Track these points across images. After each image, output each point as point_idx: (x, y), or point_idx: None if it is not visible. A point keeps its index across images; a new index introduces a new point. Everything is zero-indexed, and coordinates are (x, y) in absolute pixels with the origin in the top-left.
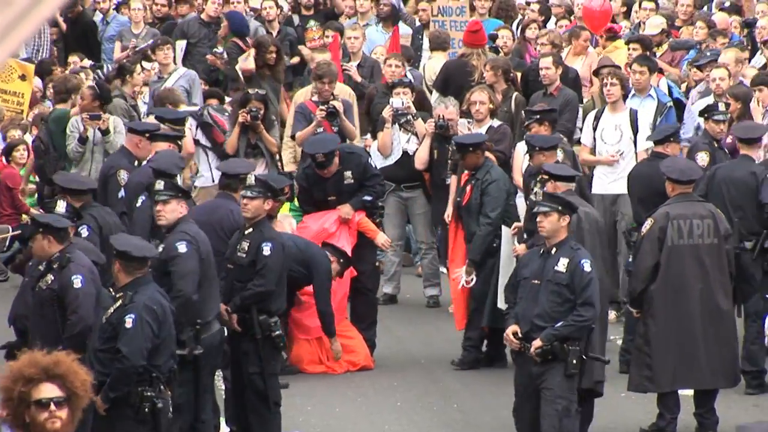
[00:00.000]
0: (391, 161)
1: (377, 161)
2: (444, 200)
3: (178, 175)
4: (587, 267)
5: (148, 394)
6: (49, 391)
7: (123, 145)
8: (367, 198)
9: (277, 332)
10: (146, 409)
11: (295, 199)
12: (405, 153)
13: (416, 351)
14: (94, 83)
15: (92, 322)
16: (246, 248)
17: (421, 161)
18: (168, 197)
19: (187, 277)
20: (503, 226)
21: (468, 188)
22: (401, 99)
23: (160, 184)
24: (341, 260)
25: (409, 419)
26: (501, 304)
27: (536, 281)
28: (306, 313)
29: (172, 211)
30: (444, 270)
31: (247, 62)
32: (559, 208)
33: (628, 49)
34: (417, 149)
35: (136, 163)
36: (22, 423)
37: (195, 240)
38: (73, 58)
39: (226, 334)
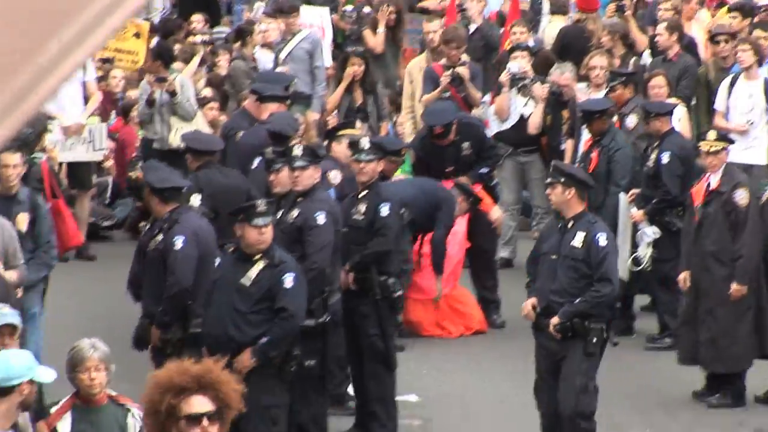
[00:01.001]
0: (508, 125)
1: (494, 125)
2: None
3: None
4: (602, 241)
5: (296, 353)
6: (200, 404)
7: (244, 106)
8: (484, 170)
9: (398, 293)
10: (291, 368)
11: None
12: (522, 117)
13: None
14: (156, 45)
15: (189, 285)
16: (363, 210)
17: (534, 126)
18: (305, 163)
19: (324, 249)
20: (621, 193)
21: (593, 155)
22: (519, 63)
23: (298, 150)
24: (469, 198)
25: (522, 385)
26: (623, 274)
27: (554, 256)
28: (421, 274)
29: (308, 177)
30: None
31: (376, 39)
32: (562, 180)
33: (730, 16)
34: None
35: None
36: None
37: (333, 209)
38: (196, 17)
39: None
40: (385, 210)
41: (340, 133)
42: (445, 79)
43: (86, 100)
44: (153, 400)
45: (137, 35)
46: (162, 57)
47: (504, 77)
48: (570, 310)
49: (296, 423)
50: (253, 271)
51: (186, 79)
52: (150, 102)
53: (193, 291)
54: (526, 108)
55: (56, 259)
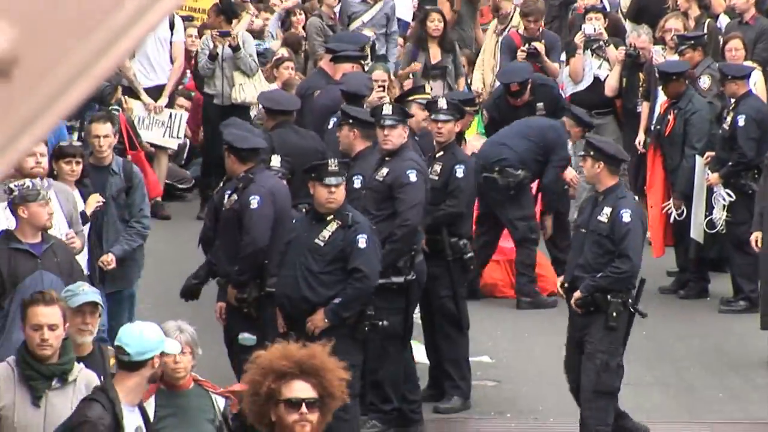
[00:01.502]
0: (582, 87)
1: (568, 87)
2: (635, 128)
3: None
4: (626, 217)
5: (370, 312)
6: (301, 389)
7: (321, 66)
8: None
9: (469, 254)
10: (366, 329)
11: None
12: (596, 79)
13: None
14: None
15: (265, 245)
16: (438, 170)
17: (611, 89)
18: (394, 122)
19: (416, 207)
20: (696, 155)
21: (670, 117)
22: (593, 25)
23: (387, 108)
24: (583, 126)
25: None
26: (694, 234)
27: (583, 230)
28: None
29: (398, 136)
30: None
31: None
32: (591, 153)
33: None
34: (608, 75)
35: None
36: (268, 422)
37: (423, 169)
38: None
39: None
40: (460, 171)
41: (410, 98)
42: (521, 54)
43: (173, 60)
44: (254, 381)
45: None
46: (225, 12)
47: (578, 39)
48: (590, 284)
49: (372, 381)
50: (327, 232)
51: (248, 34)
52: (213, 56)
53: (268, 250)
54: (600, 70)
55: (149, 228)
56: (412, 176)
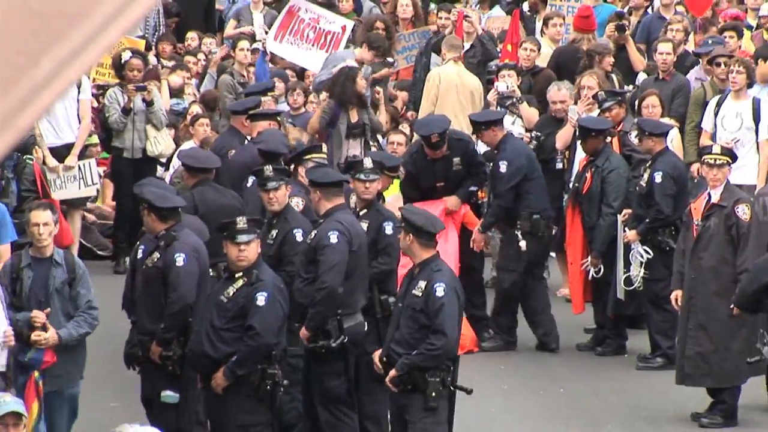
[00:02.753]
0: None
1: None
2: (554, 184)
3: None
4: (440, 292)
5: (272, 371)
6: None
7: (231, 125)
8: (473, 188)
9: None
10: (267, 387)
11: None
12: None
13: (522, 334)
14: (136, 55)
15: (192, 301)
16: (365, 228)
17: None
18: (277, 184)
19: (334, 268)
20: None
21: (588, 175)
22: (506, 82)
23: (268, 170)
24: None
25: (515, 403)
26: (620, 294)
27: (399, 304)
28: None
29: (283, 196)
30: (552, 254)
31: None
32: (403, 224)
33: (752, 39)
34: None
35: (246, 141)
36: None
37: (348, 230)
38: (191, 34)
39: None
40: (389, 228)
41: (307, 157)
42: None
43: (80, 118)
44: None
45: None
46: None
47: (491, 96)
48: (405, 363)
49: None
50: (232, 288)
51: (157, 91)
52: (126, 110)
53: (193, 307)
54: (513, 126)
55: (98, 320)
56: (333, 238)
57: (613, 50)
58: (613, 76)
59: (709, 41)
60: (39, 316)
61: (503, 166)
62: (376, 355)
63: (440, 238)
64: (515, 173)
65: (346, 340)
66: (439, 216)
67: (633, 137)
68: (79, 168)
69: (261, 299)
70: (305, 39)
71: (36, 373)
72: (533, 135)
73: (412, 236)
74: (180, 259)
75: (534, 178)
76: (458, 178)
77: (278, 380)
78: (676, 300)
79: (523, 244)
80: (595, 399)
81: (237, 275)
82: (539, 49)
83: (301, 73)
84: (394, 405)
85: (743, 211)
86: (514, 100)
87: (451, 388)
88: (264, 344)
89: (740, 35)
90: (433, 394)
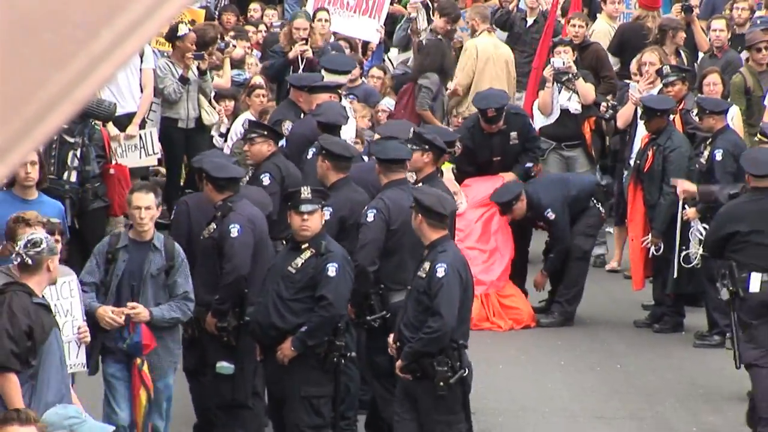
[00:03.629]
0: (551, 120)
1: (538, 120)
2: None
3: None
4: (440, 272)
5: (339, 343)
6: None
7: (289, 97)
8: (529, 165)
9: None
10: (334, 359)
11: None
12: (566, 111)
13: (580, 310)
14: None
15: (246, 272)
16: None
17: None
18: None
19: (366, 247)
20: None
21: (649, 153)
22: (562, 58)
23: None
24: None
25: (572, 378)
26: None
27: (408, 287)
28: (478, 268)
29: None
30: (610, 230)
31: None
32: (413, 205)
33: None
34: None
35: (302, 115)
36: None
37: (387, 208)
38: (254, 5)
39: None
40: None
41: None
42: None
43: (142, 87)
44: None
45: (192, 23)
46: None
47: (547, 72)
48: (409, 351)
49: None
50: (300, 259)
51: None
52: (184, 80)
53: (248, 278)
54: (570, 102)
55: (192, 312)
56: (370, 216)
57: (684, 26)
58: (682, 53)
59: (758, 21)
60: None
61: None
62: (390, 338)
63: (494, 217)
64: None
65: (388, 315)
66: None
67: (694, 115)
68: (141, 137)
69: (332, 270)
70: (346, 7)
71: (138, 360)
72: (609, 104)
73: (421, 217)
74: (235, 230)
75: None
76: (515, 153)
77: (344, 352)
78: None
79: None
80: (651, 376)
81: (303, 246)
82: (587, 25)
83: (354, 45)
84: (404, 392)
85: None
86: (570, 75)
87: (460, 374)
88: (336, 314)
89: None
90: (441, 383)
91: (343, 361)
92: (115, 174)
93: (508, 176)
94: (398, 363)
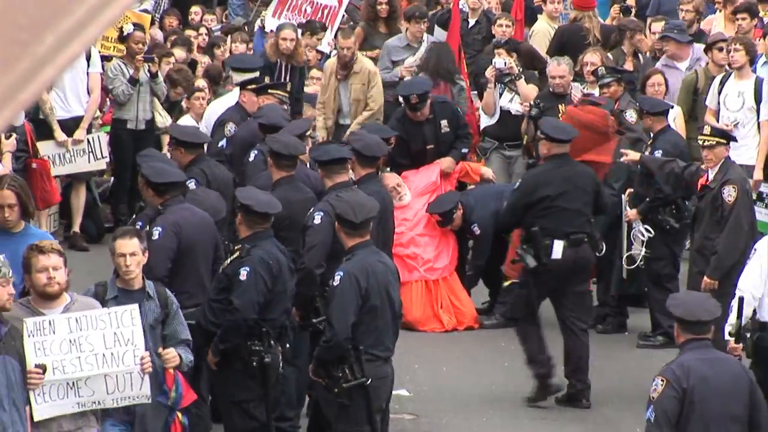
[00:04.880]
0: (493, 120)
1: (483, 120)
2: None
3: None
4: (336, 280)
5: (257, 348)
6: None
7: (239, 101)
8: (465, 150)
9: None
10: (254, 364)
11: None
12: (507, 112)
13: None
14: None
15: (162, 275)
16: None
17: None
18: None
19: (313, 249)
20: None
21: None
22: (504, 59)
23: None
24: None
25: (516, 380)
26: (624, 273)
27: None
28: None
29: None
30: None
31: None
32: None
33: (736, 18)
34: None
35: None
36: None
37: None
38: (194, 9)
39: None
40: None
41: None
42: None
43: (89, 91)
44: None
45: (140, 27)
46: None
47: (489, 73)
48: (315, 356)
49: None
50: (228, 260)
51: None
52: (134, 81)
53: (170, 281)
54: (511, 104)
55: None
56: (317, 218)
57: (643, 27)
58: (640, 55)
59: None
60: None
61: None
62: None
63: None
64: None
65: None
66: (436, 179)
67: (628, 116)
68: (89, 141)
69: (243, 273)
70: (303, 14)
71: (179, 414)
72: (534, 103)
73: (338, 224)
74: (156, 233)
75: None
76: (448, 141)
77: (266, 357)
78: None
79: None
80: (596, 377)
81: (236, 247)
82: (513, 24)
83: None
84: (316, 400)
85: (727, 193)
86: (513, 77)
87: (359, 381)
88: (241, 319)
89: (753, 16)
90: (336, 389)
91: (264, 362)
92: (37, 168)
93: (445, 161)
94: (310, 367)
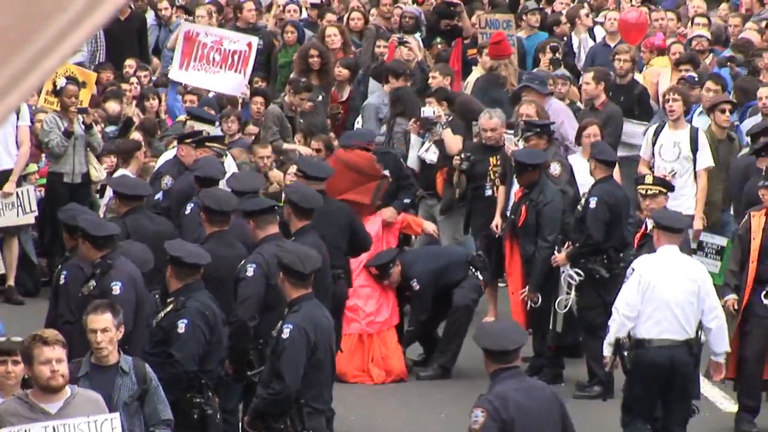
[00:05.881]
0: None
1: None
2: (483, 210)
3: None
4: (285, 333)
5: (197, 400)
6: None
7: (176, 154)
8: (407, 200)
9: None
10: (195, 416)
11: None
12: (422, 161)
13: (460, 363)
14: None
15: (130, 329)
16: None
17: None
18: None
19: (246, 301)
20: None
21: (523, 208)
22: (433, 108)
23: None
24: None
25: (454, 431)
26: (558, 326)
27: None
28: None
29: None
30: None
31: None
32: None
33: (680, 70)
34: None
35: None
36: None
37: (267, 263)
38: (129, 62)
39: None
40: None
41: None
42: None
43: (19, 144)
44: None
45: (83, 84)
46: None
47: (411, 124)
48: (253, 407)
49: None
50: (162, 314)
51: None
52: (69, 134)
53: (131, 335)
54: (427, 153)
55: None
56: (250, 270)
57: (573, 80)
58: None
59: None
60: None
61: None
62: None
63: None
64: None
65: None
66: (378, 229)
67: (552, 170)
68: (18, 195)
69: (181, 327)
70: (212, 62)
71: None
72: (463, 156)
73: (283, 275)
74: (117, 288)
75: None
76: (391, 190)
77: (207, 409)
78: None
79: None
80: None
81: (168, 300)
82: (450, 75)
83: (235, 100)
84: None
85: None
86: (440, 125)
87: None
88: (183, 372)
89: (696, 66)
90: None
91: (206, 414)
92: None
93: (387, 212)
94: (245, 418)
